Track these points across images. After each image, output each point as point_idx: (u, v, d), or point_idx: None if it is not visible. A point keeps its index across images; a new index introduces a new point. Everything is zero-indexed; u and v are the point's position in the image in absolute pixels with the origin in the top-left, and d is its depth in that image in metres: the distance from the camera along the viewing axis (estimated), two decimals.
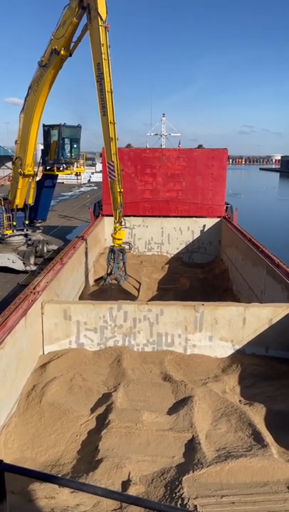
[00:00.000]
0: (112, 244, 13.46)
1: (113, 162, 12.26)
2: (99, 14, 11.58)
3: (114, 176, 12.45)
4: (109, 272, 13.54)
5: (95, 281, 14.80)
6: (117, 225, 13.16)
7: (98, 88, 11.76)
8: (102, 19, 11.59)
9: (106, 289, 13.17)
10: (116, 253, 13.36)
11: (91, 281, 14.88)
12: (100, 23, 11.58)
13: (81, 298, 13.24)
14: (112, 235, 13.49)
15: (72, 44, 14.47)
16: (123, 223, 13.26)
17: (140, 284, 14.67)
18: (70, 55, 14.82)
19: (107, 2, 11.79)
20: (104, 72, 11.56)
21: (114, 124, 12.00)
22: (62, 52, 14.51)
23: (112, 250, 13.44)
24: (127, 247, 14.00)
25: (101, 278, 14.17)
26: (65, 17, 13.67)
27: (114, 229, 13.28)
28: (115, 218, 13.13)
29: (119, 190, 12.59)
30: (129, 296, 12.92)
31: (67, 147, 21.01)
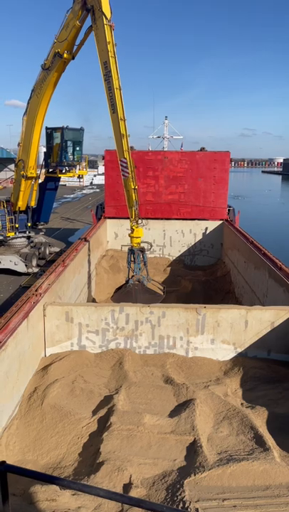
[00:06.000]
0: (131, 245, 12.78)
1: (126, 159, 12.01)
2: (103, 14, 11.67)
3: (128, 173, 12.15)
4: (131, 276, 12.75)
5: (116, 291, 13.49)
6: (134, 223, 12.62)
7: (106, 86, 11.73)
8: (106, 18, 11.67)
9: (130, 291, 12.45)
10: (136, 253, 12.74)
11: (93, 284, 14.82)
12: (105, 22, 11.64)
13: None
14: (129, 235, 12.87)
15: (75, 47, 14.57)
16: (139, 222, 12.69)
17: (164, 286, 13.89)
18: (73, 58, 14.91)
19: (110, 2, 11.88)
20: (111, 70, 11.55)
21: (124, 120, 11.84)
22: (65, 55, 14.62)
23: (131, 251, 12.75)
24: (146, 245, 13.36)
25: (120, 288, 13.19)
26: (68, 20, 13.77)
27: (131, 228, 12.67)
28: (131, 216, 12.61)
29: (133, 187, 12.25)
30: (156, 296, 12.32)
31: (70, 150, 21.09)
